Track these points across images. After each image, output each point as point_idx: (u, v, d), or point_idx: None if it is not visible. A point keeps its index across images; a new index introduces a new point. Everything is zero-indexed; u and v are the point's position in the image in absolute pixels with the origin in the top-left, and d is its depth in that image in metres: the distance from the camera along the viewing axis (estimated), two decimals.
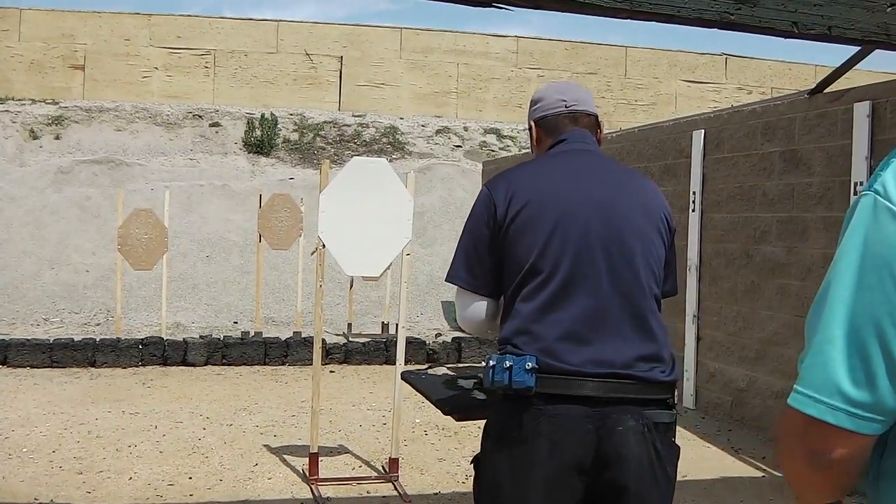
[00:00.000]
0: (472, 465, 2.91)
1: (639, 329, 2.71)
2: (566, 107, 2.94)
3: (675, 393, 2.78)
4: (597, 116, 3.02)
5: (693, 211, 8.79)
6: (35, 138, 17.00)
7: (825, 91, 7.35)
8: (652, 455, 2.65)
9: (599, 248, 2.70)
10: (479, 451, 2.87)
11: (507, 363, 2.62)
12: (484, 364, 2.75)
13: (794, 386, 1.45)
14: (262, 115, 18.46)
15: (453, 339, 11.64)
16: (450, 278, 2.93)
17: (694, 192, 8.79)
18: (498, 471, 2.71)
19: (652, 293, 2.77)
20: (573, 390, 2.60)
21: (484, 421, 2.87)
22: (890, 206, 1.39)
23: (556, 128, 2.95)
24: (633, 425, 2.62)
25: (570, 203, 2.73)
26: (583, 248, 2.70)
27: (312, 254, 9.81)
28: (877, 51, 5.54)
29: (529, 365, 2.59)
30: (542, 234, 2.70)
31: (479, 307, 2.89)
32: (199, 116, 18.61)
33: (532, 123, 3.02)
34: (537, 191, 2.76)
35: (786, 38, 4.88)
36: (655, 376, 2.69)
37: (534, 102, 3.03)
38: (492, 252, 2.81)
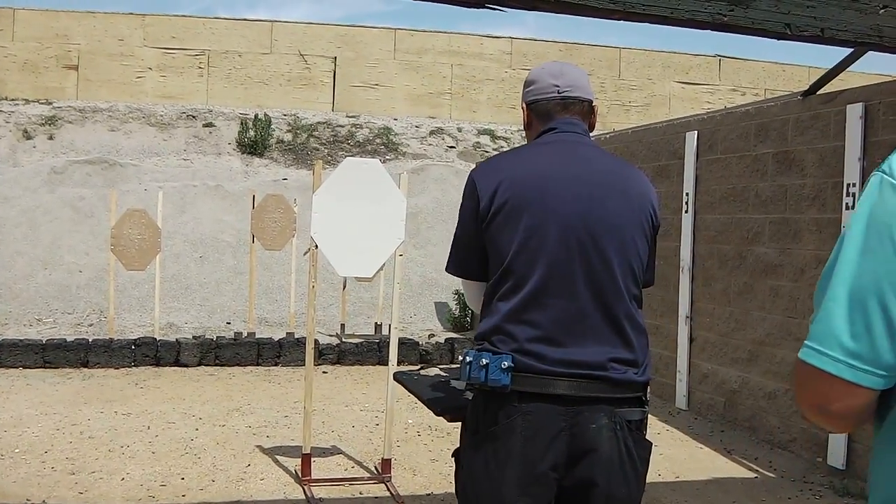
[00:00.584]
0: (453, 457, 2.97)
1: (614, 332, 2.73)
2: (559, 92, 2.90)
3: (648, 390, 2.81)
4: (591, 102, 2.97)
5: (686, 212, 8.80)
6: (28, 138, 16.97)
7: (818, 93, 7.37)
8: (623, 452, 2.69)
9: (578, 249, 2.71)
10: (458, 446, 2.93)
11: (484, 361, 2.66)
12: (461, 359, 2.78)
13: (804, 342, 1.58)
14: (256, 116, 18.44)
15: (446, 339, 11.64)
16: (447, 268, 2.99)
17: (687, 194, 8.80)
18: (474, 465, 2.77)
19: (630, 295, 2.78)
20: (547, 389, 2.64)
21: None
22: (893, 181, 1.53)
23: (547, 114, 2.92)
24: (606, 423, 2.66)
25: (552, 201, 2.73)
26: (561, 249, 2.70)
27: (305, 254, 9.80)
28: (869, 52, 5.56)
29: (505, 364, 2.64)
30: (522, 232, 2.72)
31: (480, 293, 2.93)
32: (193, 117, 18.59)
33: (524, 105, 2.99)
34: (521, 185, 2.75)
35: (778, 39, 4.89)
36: (629, 377, 2.72)
37: (527, 84, 2.99)
38: (479, 241, 2.83)
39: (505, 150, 19.56)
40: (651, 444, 2.84)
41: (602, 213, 2.74)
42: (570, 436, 2.65)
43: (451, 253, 2.96)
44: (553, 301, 2.69)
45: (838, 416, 1.60)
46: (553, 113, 2.91)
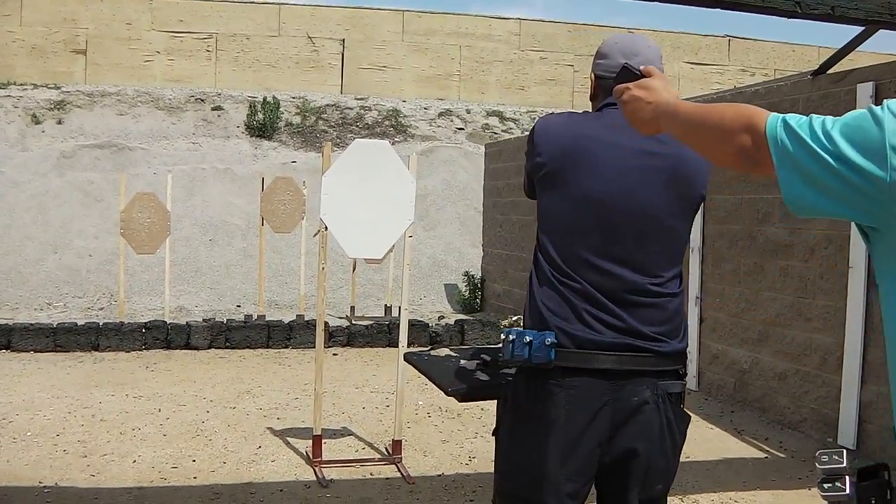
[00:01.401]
0: (493, 435, 2.99)
1: (654, 307, 2.76)
2: None
3: (686, 363, 2.84)
4: None
5: None
6: (37, 123, 17.00)
7: (828, 72, 7.33)
8: (664, 425, 2.73)
9: (622, 225, 2.74)
10: (497, 424, 2.97)
11: (527, 338, 2.69)
12: (502, 338, 2.79)
13: None
14: (265, 99, 18.43)
15: (456, 321, 11.64)
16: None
17: None
18: (516, 440, 2.79)
19: (671, 271, 2.82)
20: (591, 363, 2.68)
21: (487, 401, 2.91)
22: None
23: (611, 89, 2.88)
24: (649, 395, 2.70)
25: (602, 176, 2.75)
26: (607, 224, 2.74)
27: (314, 236, 9.80)
28: (881, 31, 5.53)
29: (549, 340, 2.67)
30: (569, 203, 2.76)
31: None
32: (202, 100, 18.60)
33: (592, 76, 3.02)
34: (575, 153, 2.78)
35: (789, 18, 4.86)
36: (668, 348, 2.75)
37: (599, 55, 3.01)
38: (530, 174, 2.93)
39: (514, 130, 19.69)
40: (690, 416, 2.87)
41: (644, 196, 2.76)
42: (612, 409, 2.68)
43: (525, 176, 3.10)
44: (597, 273, 2.73)
45: None
46: None
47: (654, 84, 2.20)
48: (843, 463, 1.72)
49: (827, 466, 1.74)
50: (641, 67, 2.30)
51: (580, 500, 2.77)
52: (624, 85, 2.26)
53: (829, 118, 1.68)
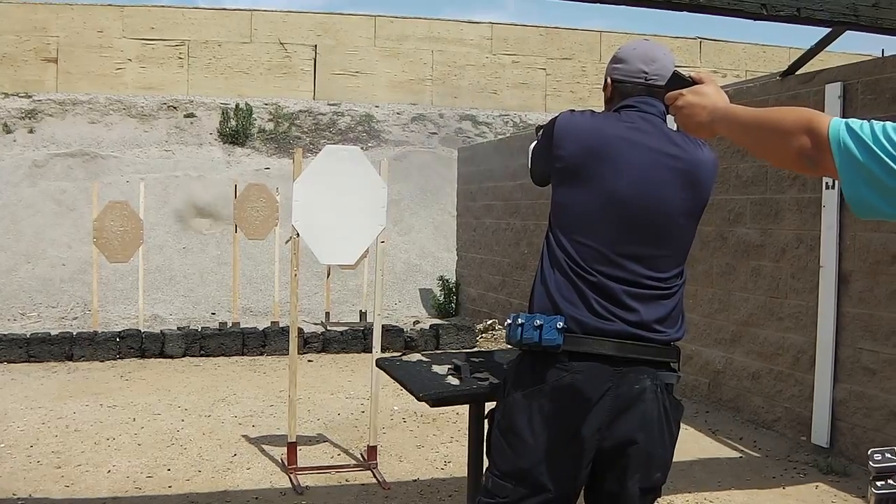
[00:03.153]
0: (486, 418, 3.12)
1: (660, 298, 2.90)
2: (645, 80, 3.02)
3: (680, 357, 2.98)
4: None
5: None
6: (9, 132, 16.90)
7: (797, 73, 7.38)
8: (661, 414, 2.85)
9: (642, 222, 2.86)
10: (491, 408, 3.08)
11: (538, 322, 2.80)
12: (509, 322, 2.89)
13: None
14: (237, 105, 18.39)
15: (431, 326, 11.65)
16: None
17: None
18: (517, 421, 2.86)
19: (678, 265, 2.97)
20: (597, 349, 2.79)
21: (458, 406, 2.96)
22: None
23: (630, 94, 3.03)
24: (649, 385, 2.82)
25: (619, 175, 2.86)
26: (627, 220, 2.85)
27: (287, 243, 9.78)
28: (847, 32, 5.57)
29: (560, 325, 2.78)
30: (583, 200, 2.88)
31: None
32: (174, 107, 18.54)
33: (609, 80, 3.11)
34: (595, 152, 2.89)
35: (755, 19, 4.90)
36: (669, 336, 2.90)
37: (616, 59, 3.11)
38: (546, 170, 3.06)
39: (487, 134, 19.72)
40: (683, 406, 3.01)
41: (662, 198, 2.88)
42: (615, 395, 2.79)
43: (530, 159, 3.25)
44: (606, 265, 2.84)
45: None
46: (635, 94, 3.03)
47: (708, 90, 2.30)
48: None
49: (880, 465, 1.75)
50: (692, 74, 2.42)
51: (579, 483, 2.87)
52: (677, 91, 2.32)
53: (889, 123, 1.72)
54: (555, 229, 2.93)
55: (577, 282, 2.82)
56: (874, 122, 1.72)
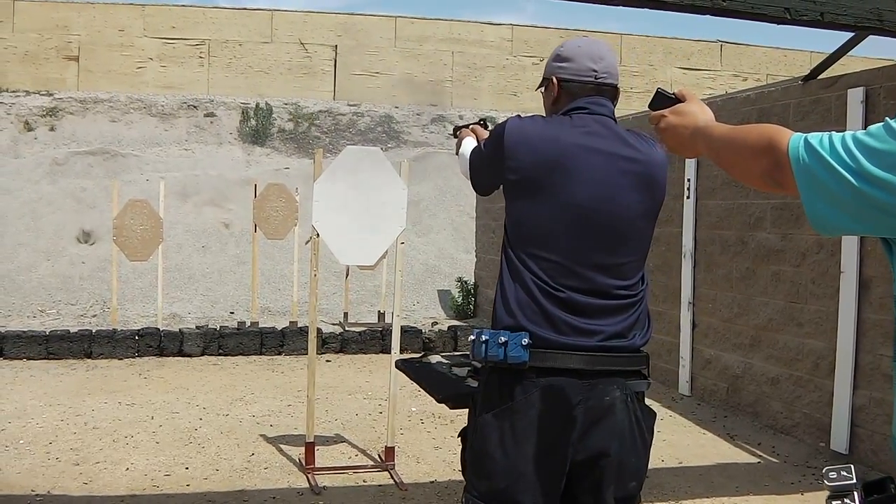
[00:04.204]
0: (459, 436, 3.03)
1: (623, 306, 2.82)
2: (595, 78, 2.95)
3: (649, 364, 2.92)
4: (617, 86, 3.04)
5: (688, 198, 8.79)
6: (30, 130, 16.98)
7: (819, 77, 7.35)
8: (633, 423, 2.80)
9: (604, 230, 2.79)
10: (465, 424, 3.00)
11: (502, 338, 2.73)
12: (473, 338, 2.84)
13: None
14: (257, 105, 18.44)
15: (449, 327, 11.64)
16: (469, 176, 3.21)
17: (689, 180, 8.79)
18: (488, 441, 2.79)
19: (639, 275, 2.90)
20: (564, 363, 2.72)
21: None
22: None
23: (578, 94, 2.95)
24: (619, 395, 2.76)
25: (576, 181, 2.79)
26: (588, 230, 2.78)
27: (307, 243, 9.79)
28: (870, 37, 5.55)
29: (525, 341, 2.71)
30: (542, 209, 2.80)
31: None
32: (194, 107, 18.59)
33: (554, 80, 3.00)
34: (549, 161, 2.80)
35: (778, 24, 4.88)
36: (636, 343, 2.84)
37: (561, 58, 3.01)
38: (492, 181, 3.04)
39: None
40: (655, 413, 2.95)
41: (621, 202, 2.82)
42: (585, 408, 2.73)
43: (471, 168, 3.18)
44: (569, 277, 2.77)
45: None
46: (584, 93, 2.96)
47: (689, 108, 2.23)
48: (852, 479, 1.71)
49: (835, 483, 1.72)
50: (675, 91, 2.33)
51: (556, 498, 2.81)
52: (659, 112, 2.28)
53: (849, 133, 1.67)
54: (514, 244, 2.84)
55: (542, 298, 2.75)
56: (835, 133, 1.69)
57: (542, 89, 3.09)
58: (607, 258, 2.80)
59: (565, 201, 2.77)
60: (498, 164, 2.88)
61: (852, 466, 1.73)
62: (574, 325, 2.74)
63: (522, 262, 2.79)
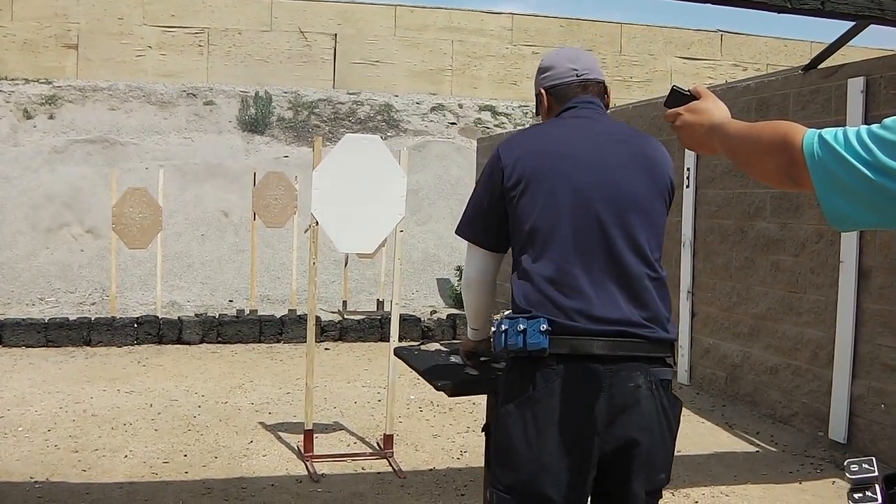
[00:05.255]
0: (483, 433, 2.98)
1: (640, 292, 2.77)
2: (577, 76, 2.97)
3: (675, 351, 2.85)
4: (604, 82, 3.04)
5: (687, 187, 8.78)
6: (29, 118, 16.96)
7: (819, 67, 7.34)
8: (660, 411, 2.74)
9: (598, 218, 2.76)
10: (486, 420, 2.96)
11: (521, 326, 2.69)
12: (493, 329, 2.81)
13: None
14: (257, 94, 18.41)
15: (448, 315, 11.65)
16: (458, 230, 3.06)
17: (688, 169, 8.78)
18: (512, 432, 2.74)
19: (653, 258, 2.84)
20: (585, 349, 2.67)
21: (477, 396, 2.90)
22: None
23: (566, 96, 2.97)
24: (643, 382, 2.70)
25: (573, 172, 2.78)
26: (582, 217, 2.75)
27: (306, 231, 9.79)
28: (871, 26, 5.54)
29: (543, 327, 2.67)
30: (542, 203, 2.77)
31: (480, 262, 3.04)
32: (193, 95, 18.56)
33: (542, 91, 3.03)
34: (542, 157, 2.81)
35: (779, 13, 4.88)
36: (658, 335, 2.76)
37: (543, 70, 3.05)
38: (494, 211, 2.90)
39: (506, 125, 19.69)
40: (681, 402, 2.88)
41: (622, 182, 2.79)
42: (609, 396, 2.67)
43: (463, 216, 3.04)
44: (580, 266, 2.74)
45: None
46: (572, 94, 2.97)
47: (705, 106, 2.22)
48: (874, 471, 1.69)
49: (857, 476, 1.70)
50: (690, 88, 2.31)
51: (584, 490, 2.75)
52: (675, 110, 2.26)
53: (863, 127, 1.66)
54: (521, 247, 2.83)
55: (557, 295, 2.72)
56: (849, 128, 1.67)
57: (539, 108, 3.10)
58: (619, 241, 2.76)
59: (564, 189, 2.75)
60: (497, 185, 2.86)
61: (874, 459, 1.71)
62: (591, 313, 2.69)
63: (533, 261, 2.78)
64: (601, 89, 3.01)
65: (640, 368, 2.70)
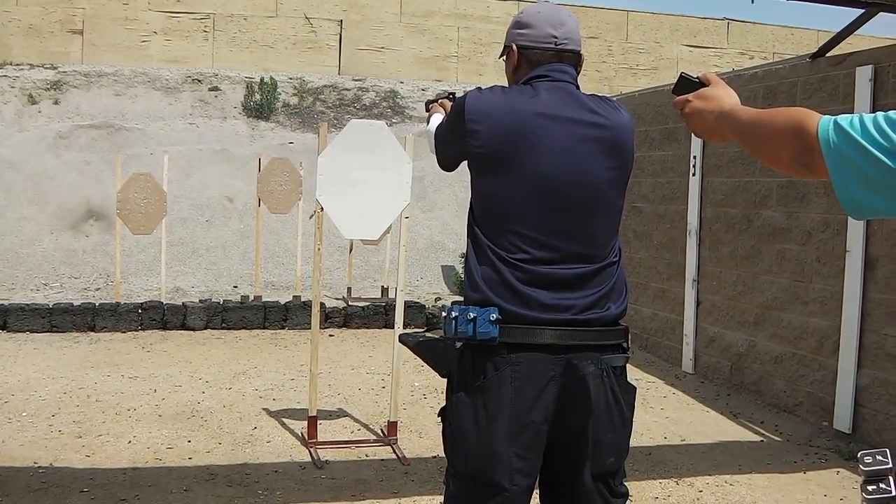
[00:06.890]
0: (439, 416, 2.96)
1: (594, 278, 2.77)
2: (555, 44, 2.89)
3: (629, 337, 2.86)
4: (580, 52, 2.97)
5: (693, 175, 8.76)
6: (34, 103, 16.93)
7: (827, 55, 7.31)
8: (610, 398, 2.74)
9: (573, 200, 2.75)
10: (444, 405, 2.93)
11: (471, 315, 2.69)
12: (444, 315, 2.81)
13: None
14: (262, 80, 18.37)
15: (453, 302, 11.61)
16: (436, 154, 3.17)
17: (694, 157, 8.76)
18: (463, 419, 2.75)
19: (613, 238, 2.85)
20: (535, 339, 2.68)
21: None
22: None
23: (539, 61, 2.90)
24: (593, 370, 2.70)
25: (542, 152, 2.75)
26: (557, 201, 2.74)
27: (311, 217, 9.78)
28: (880, 14, 5.51)
29: (493, 316, 2.67)
30: (510, 182, 2.76)
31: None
32: (199, 81, 18.53)
33: (514, 47, 2.95)
34: (512, 132, 2.76)
35: (787, 0, 4.85)
36: (612, 313, 2.78)
37: (520, 25, 2.96)
38: (456, 155, 2.98)
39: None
40: (635, 388, 2.88)
41: (587, 169, 2.77)
42: (559, 385, 2.69)
43: (435, 142, 3.17)
44: (537, 250, 2.73)
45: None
46: (545, 61, 2.90)
47: (715, 93, 2.19)
48: (888, 463, 1.68)
49: (871, 468, 1.69)
50: (699, 75, 2.28)
51: (531, 477, 2.77)
52: (684, 97, 2.23)
53: (880, 113, 1.64)
54: (480, 223, 2.80)
55: (511, 276, 2.71)
56: (865, 114, 1.65)
57: (504, 58, 3.04)
58: (577, 228, 2.75)
59: (531, 173, 2.73)
60: (459, 137, 2.84)
61: (888, 451, 1.69)
62: (544, 301, 2.70)
63: (490, 241, 2.76)
64: (577, 59, 2.95)
65: (590, 357, 2.71)
